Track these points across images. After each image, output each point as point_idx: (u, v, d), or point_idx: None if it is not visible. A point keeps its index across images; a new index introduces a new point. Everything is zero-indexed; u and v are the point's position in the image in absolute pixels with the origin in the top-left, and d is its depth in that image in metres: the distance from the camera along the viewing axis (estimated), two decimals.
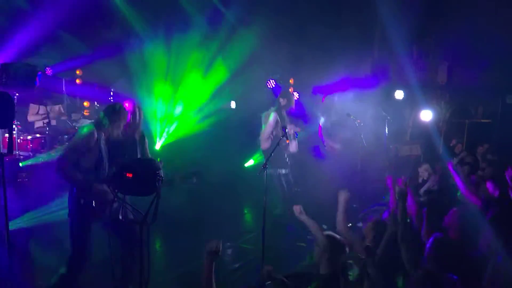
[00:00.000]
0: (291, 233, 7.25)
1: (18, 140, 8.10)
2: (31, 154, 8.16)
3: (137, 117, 4.89)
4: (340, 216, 4.67)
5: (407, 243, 4.03)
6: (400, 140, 11.09)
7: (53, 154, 7.96)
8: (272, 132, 7.33)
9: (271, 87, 7.84)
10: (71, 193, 4.42)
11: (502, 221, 4.85)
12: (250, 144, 8.08)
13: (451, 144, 9.19)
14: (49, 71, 9.08)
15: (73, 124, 8.79)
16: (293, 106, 7.79)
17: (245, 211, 8.57)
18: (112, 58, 9.30)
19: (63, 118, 8.96)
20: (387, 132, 9.25)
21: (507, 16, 10.14)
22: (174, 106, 9.77)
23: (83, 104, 9.75)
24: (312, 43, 10.80)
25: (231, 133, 9.65)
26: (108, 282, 4.48)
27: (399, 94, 10.01)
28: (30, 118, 8.79)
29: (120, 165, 3.70)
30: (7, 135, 7.12)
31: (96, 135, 4.41)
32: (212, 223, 7.03)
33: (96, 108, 9.63)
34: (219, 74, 10.15)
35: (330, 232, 4.16)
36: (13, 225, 6.24)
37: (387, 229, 4.31)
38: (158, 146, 8.11)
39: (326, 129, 8.88)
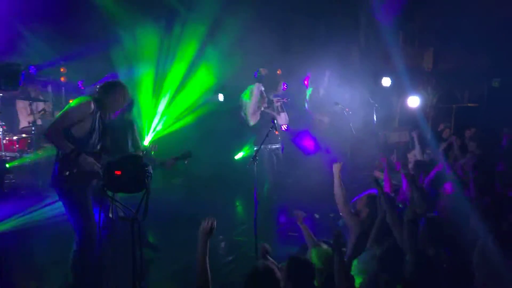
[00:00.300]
0: (283, 224, 7.28)
1: (4, 141, 7.99)
2: (18, 154, 8.06)
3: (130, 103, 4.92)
4: (337, 188, 4.67)
5: (398, 226, 4.07)
6: (389, 127, 11.14)
7: (41, 154, 7.88)
8: (258, 106, 7.32)
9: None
10: (54, 173, 4.36)
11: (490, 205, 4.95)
12: (239, 137, 8.06)
13: (439, 129, 9.23)
14: (32, 69, 8.93)
15: None
16: (280, 89, 7.83)
17: (237, 204, 8.57)
18: (97, 54, 9.18)
19: (49, 117, 8.84)
20: (375, 119, 9.28)
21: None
22: (161, 101, 9.68)
23: (69, 102, 9.61)
24: (298, 32, 10.78)
25: (220, 126, 9.61)
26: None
27: (386, 81, 10.02)
28: (26, 118, 8.64)
29: (107, 163, 3.69)
30: None
31: (93, 107, 4.38)
32: (204, 216, 7.00)
33: None
34: (206, 67, 10.09)
35: (319, 245, 4.17)
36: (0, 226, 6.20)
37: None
38: (147, 142, 8.05)
39: (314, 101, 8.87)
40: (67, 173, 4.27)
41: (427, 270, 3.59)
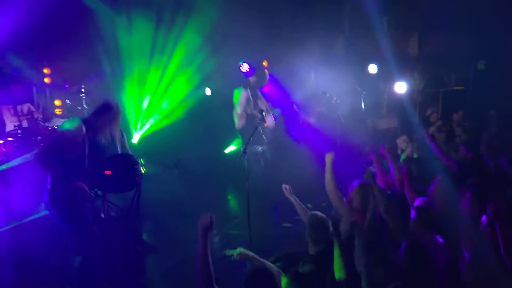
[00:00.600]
0: (276, 215, 7.28)
1: None
2: (5, 158, 7.95)
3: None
4: (328, 178, 4.68)
5: (391, 213, 4.10)
6: (377, 113, 11.17)
7: (28, 157, 7.78)
8: (244, 110, 7.32)
9: (245, 71, 7.75)
10: (46, 195, 4.29)
11: (479, 183, 5.01)
12: (229, 130, 8.04)
13: (426, 114, 9.28)
14: (15, 71, 8.81)
15: (46, 124, 8.58)
16: (266, 83, 7.81)
17: (229, 197, 8.56)
18: (81, 53, 9.07)
19: (34, 118, 8.73)
20: (363, 106, 9.30)
21: None
22: (147, 98, 9.62)
23: (54, 103, 9.51)
24: (282, 22, 10.71)
25: (208, 120, 9.58)
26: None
27: (372, 68, 10.04)
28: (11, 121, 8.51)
29: (97, 163, 3.66)
30: None
31: (84, 130, 4.32)
32: (196, 211, 6.98)
33: (68, 106, 9.42)
34: (191, 61, 10.03)
35: (313, 212, 4.17)
36: None
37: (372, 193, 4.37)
38: (135, 139, 8.00)
39: (301, 103, 8.89)
40: (59, 198, 4.21)
41: (421, 257, 3.63)
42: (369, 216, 4.32)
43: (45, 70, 9.38)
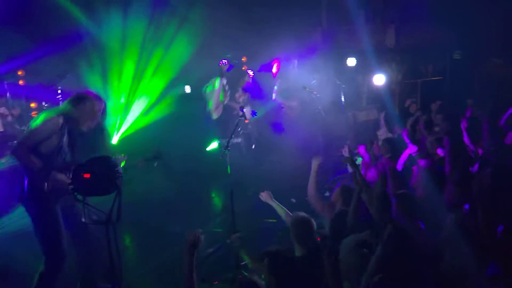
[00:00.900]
0: (260, 210, 7.26)
1: None
2: None
3: (103, 111, 4.74)
4: (311, 182, 4.69)
5: (374, 204, 4.12)
6: (357, 106, 11.23)
7: (3, 162, 7.60)
8: (220, 100, 7.33)
9: (224, 65, 7.75)
10: (23, 191, 4.19)
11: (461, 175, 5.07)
12: (209, 128, 7.99)
13: (406, 105, 9.36)
14: None
15: (22, 127, 8.41)
16: (249, 81, 7.78)
17: (213, 195, 8.51)
18: (57, 54, 8.91)
19: (9, 120, 8.54)
20: (343, 100, 9.33)
21: None
22: (126, 98, 9.49)
23: (30, 106, 9.33)
24: (259, 16, 10.66)
25: (189, 118, 9.50)
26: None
27: (351, 61, 10.06)
28: None
29: (76, 166, 3.58)
30: None
31: (60, 122, 4.22)
32: (180, 211, 6.95)
33: (45, 108, 9.25)
34: (170, 59, 9.92)
35: (295, 214, 4.15)
36: None
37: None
38: (115, 140, 7.88)
39: (283, 91, 8.87)
40: (37, 191, 4.12)
41: (403, 241, 3.66)
42: (353, 207, 4.31)
43: (19, 72, 9.20)
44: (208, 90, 7.42)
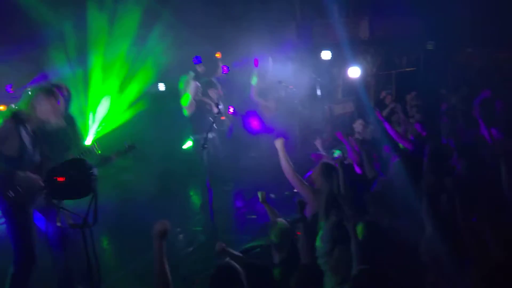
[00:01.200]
0: (240, 207, 7.26)
1: None
2: None
3: (67, 100, 4.62)
4: (283, 162, 4.66)
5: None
6: (333, 99, 11.29)
7: None
8: (193, 98, 7.31)
9: (197, 62, 7.70)
10: None
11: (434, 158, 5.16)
12: (185, 125, 7.92)
13: (381, 97, 9.42)
14: None
15: None
16: (220, 72, 7.77)
17: (191, 193, 8.45)
18: (25, 54, 8.68)
19: None
20: (319, 93, 9.36)
21: None
22: (98, 97, 9.31)
23: None
24: (233, 11, 10.60)
25: (164, 116, 9.41)
26: None
27: (326, 55, 10.07)
28: None
29: (48, 171, 3.50)
30: None
31: (12, 124, 4.11)
32: (158, 211, 6.87)
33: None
34: (143, 57, 9.78)
35: (276, 220, 4.15)
36: None
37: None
38: (89, 141, 7.74)
39: (259, 89, 8.84)
40: (6, 194, 4.02)
41: (377, 235, 3.72)
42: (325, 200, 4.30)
43: None
44: (181, 86, 7.37)
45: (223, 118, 7.39)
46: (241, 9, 10.49)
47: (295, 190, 5.17)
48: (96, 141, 5.91)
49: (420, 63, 11.81)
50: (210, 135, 7.24)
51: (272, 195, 7.10)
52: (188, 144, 8.33)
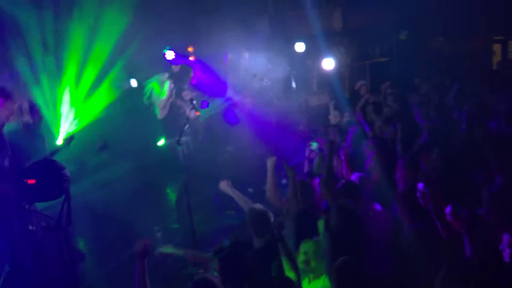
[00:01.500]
0: (218, 203, 7.20)
1: None
2: None
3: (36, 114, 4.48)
4: (269, 183, 4.68)
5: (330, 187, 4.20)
6: (308, 91, 11.29)
7: None
8: (167, 99, 7.21)
9: (171, 58, 7.49)
10: None
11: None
12: (158, 122, 7.82)
13: (356, 88, 9.44)
14: None
15: None
16: (192, 75, 7.67)
17: (167, 191, 8.35)
18: None
19: None
20: (294, 85, 9.34)
21: None
22: (66, 95, 9.04)
23: None
24: (207, 5, 10.47)
25: (137, 113, 9.23)
26: None
27: (299, 47, 10.02)
28: None
29: (19, 173, 3.39)
30: None
31: None
32: (135, 210, 6.77)
33: None
34: (114, 53, 9.54)
35: (251, 206, 4.11)
36: None
37: None
38: (60, 141, 7.52)
39: (234, 86, 8.77)
40: None
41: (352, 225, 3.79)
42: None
43: None
44: (155, 87, 7.22)
45: (197, 113, 7.29)
46: (214, 1, 10.38)
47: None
48: (68, 139, 5.71)
49: (393, 53, 11.91)
50: (184, 138, 7.16)
51: (250, 190, 7.07)
52: (162, 141, 8.21)
